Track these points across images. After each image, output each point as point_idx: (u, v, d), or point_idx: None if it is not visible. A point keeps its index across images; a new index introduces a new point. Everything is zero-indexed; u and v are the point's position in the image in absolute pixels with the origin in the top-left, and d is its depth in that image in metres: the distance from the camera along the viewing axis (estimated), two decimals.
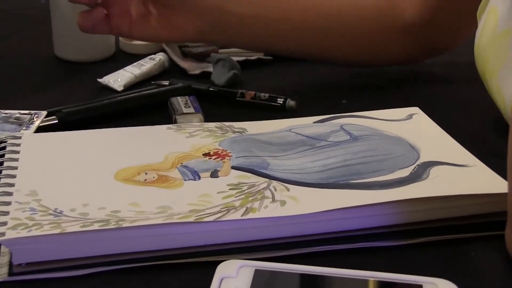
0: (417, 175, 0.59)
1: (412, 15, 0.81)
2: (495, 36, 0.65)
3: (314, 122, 0.71)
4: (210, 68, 0.88)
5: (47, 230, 0.50)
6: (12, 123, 0.73)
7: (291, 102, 0.79)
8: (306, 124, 0.70)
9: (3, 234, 0.50)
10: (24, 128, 0.71)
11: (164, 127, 0.69)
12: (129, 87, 0.85)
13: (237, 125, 0.70)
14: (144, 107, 0.79)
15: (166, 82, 0.84)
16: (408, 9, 0.81)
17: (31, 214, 0.52)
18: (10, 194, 0.55)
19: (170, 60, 0.92)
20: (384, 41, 0.82)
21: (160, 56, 0.90)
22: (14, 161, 0.61)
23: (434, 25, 0.82)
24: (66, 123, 0.74)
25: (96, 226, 0.51)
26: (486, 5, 0.69)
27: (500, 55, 0.64)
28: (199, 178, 0.59)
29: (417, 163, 0.61)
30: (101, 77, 0.86)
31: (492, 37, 0.66)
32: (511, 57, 0.63)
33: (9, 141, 0.65)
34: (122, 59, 0.94)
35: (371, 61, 0.84)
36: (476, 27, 0.75)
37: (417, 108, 0.73)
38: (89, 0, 0.70)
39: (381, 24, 0.81)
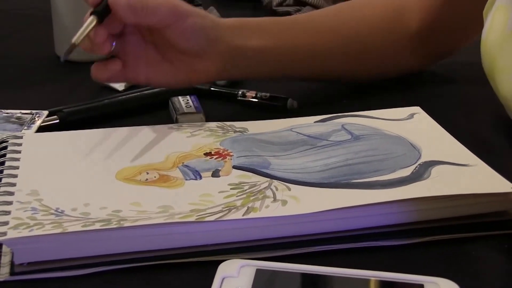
0: (418, 175, 0.59)
1: (418, 23, 0.81)
2: (505, 34, 0.65)
3: (315, 122, 0.71)
4: None
5: (48, 229, 0.50)
6: (13, 122, 0.73)
7: (292, 102, 0.79)
8: (307, 124, 0.70)
9: (4, 233, 0.50)
10: (25, 127, 0.71)
11: (165, 126, 0.69)
12: (130, 86, 0.85)
13: (238, 124, 0.70)
14: (145, 107, 0.79)
15: None
16: (414, 17, 0.81)
17: (32, 214, 0.52)
18: (11, 193, 0.56)
19: None
20: (394, 52, 0.82)
21: None
22: (15, 160, 0.61)
23: (439, 31, 0.82)
24: (67, 123, 0.74)
25: (97, 226, 0.51)
26: (493, 3, 0.69)
27: (510, 53, 0.65)
28: (200, 177, 0.59)
29: (418, 162, 0.61)
30: None
31: (502, 35, 0.66)
32: None
33: (11, 140, 0.65)
34: None
35: (383, 74, 0.84)
36: (480, 29, 0.75)
37: (418, 107, 0.73)
38: (104, 50, 0.68)
39: (391, 36, 0.81)
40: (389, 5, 0.82)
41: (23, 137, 0.66)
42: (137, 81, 0.70)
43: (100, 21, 0.65)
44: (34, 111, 0.75)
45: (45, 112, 0.75)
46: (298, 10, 1.10)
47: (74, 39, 0.64)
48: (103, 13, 0.65)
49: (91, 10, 0.65)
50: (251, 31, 0.70)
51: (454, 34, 0.84)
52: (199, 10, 0.69)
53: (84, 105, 0.77)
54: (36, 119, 0.73)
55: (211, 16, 0.70)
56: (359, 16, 0.80)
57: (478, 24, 0.72)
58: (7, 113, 0.75)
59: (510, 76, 0.64)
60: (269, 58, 0.73)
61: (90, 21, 0.65)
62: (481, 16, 0.70)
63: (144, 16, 0.65)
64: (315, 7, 1.10)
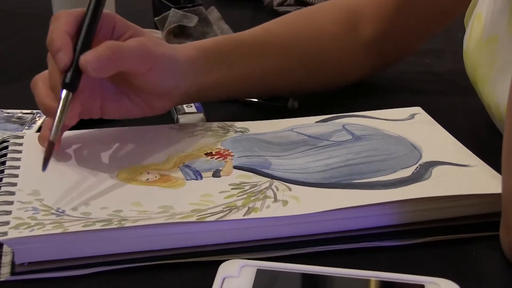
0: (419, 175, 0.59)
1: (372, 31, 0.80)
2: (482, 43, 0.65)
3: (316, 122, 0.71)
4: None
5: (49, 229, 0.50)
6: (14, 122, 0.73)
7: (293, 102, 0.79)
8: (308, 124, 0.70)
9: (5, 233, 0.50)
10: (26, 127, 0.72)
11: (166, 126, 0.69)
12: None
13: (239, 124, 0.70)
14: None
15: None
16: (368, 26, 0.80)
17: (33, 214, 0.52)
18: (12, 193, 0.56)
19: None
20: (347, 62, 0.81)
21: None
22: (16, 160, 0.61)
23: (391, 39, 0.82)
24: None
25: (98, 226, 0.51)
26: (472, 11, 0.69)
27: (488, 62, 0.65)
28: (201, 177, 0.59)
29: (419, 163, 0.61)
30: None
31: (479, 44, 0.66)
32: (499, 63, 0.64)
33: (11, 140, 0.65)
34: None
35: (336, 84, 0.83)
36: (426, 38, 0.80)
37: (419, 108, 0.73)
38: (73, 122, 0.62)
39: (344, 47, 0.80)
40: (342, 14, 0.81)
41: (24, 137, 0.66)
42: (90, 116, 0.64)
43: (73, 92, 0.59)
44: (35, 111, 0.75)
45: None
46: (298, 10, 1.10)
47: (51, 136, 0.57)
48: (75, 82, 0.59)
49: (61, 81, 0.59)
50: (211, 63, 0.69)
51: (404, 41, 0.83)
52: (167, 46, 0.65)
53: None
54: (37, 119, 0.73)
55: (176, 49, 0.67)
56: (312, 29, 0.79)
57: (425, 29, 0.75)
58: (8, 112, 0.75)
59: (490, 84, 0.64)
60: (225, 89, 0.72)
61: (65, 100, 0.58)
62: (428, 25, 0.71)
63: (116, 68, 0.60)
64: None
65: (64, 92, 0.58)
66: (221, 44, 0.71)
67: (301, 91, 0.81)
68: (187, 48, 0.69)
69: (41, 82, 0.62)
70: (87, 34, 0.60)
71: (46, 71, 0.63)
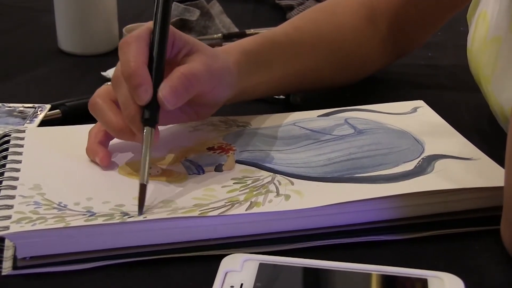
0: (422, 169, 0.59)
1: (387, 23, 0.81)
2: (486, 43, 0.65)
3: (318, 116, 0.70)
4: None
5: (51, 224, 0.50)
6: (15, 116, 0.73)
7: (295, 96, 0.78)
8: (310, 118, 0.70)
9: (7, 228, 0.50)
10: (28, 121, 0.71)
11: None
12: None
13: (241, 119, 0.70)
14: None
15: None
16: (383, 19, 0.81)
17: (35, 208, 0.52)
18: (14, 187, 0.55)
19: None
20: (369, 53, 0.82)
21: None
22: (18, 154, 0.61)
23: (404, 29, 0.82)
24: (70, 117, 0.74)
25: (100, 220, 0.51)
26: (476, 8, 0.69)
27: (491, 62, 0.64)
28: (204, 172, 0.59)
29: (422, 156, 0.61)
30: (104, 70, 0.86)
31: (483, 43, 0.66)
32: (501, 64, 0.63)
33: (13, 134, 0.65)
34: None
35: (361, 75, 0.84)
36: (437, 28, 0.80)
37: (421, 101, 0.73)
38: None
39: (365, 38, 0.81)
40: (360, 8, 0.81)
41: (26, 131, 0.65)
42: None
43: (154, 127, 0.57)
44: (36, 105, 0.75)
45: (48, 106, 0.74)
46: (301, 4, 1.10)
47: (144, 179, 0.54)
48: (156, 117, 0.57)
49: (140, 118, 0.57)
50: (253, 66, 0.69)
51: (416, 33, 0.84)
52: (222, 58, 0.64)
53: (86, 99, 0.76)
54: (39, 113, 0.73)
55: (227, 57, 0.66)
56: (335, 25, 0.79)
57: (436, 23, 0.73)
58: (10, 106, 0.75)
59: (493, 85, 0.64)
60: (261, 90, 0.73)
61: (148, 136, 0.56)
62: (440, 14, 0.71)
63: (190, 97, 0.59)
64: (318, 0, 1.10)
65: (147, 129, 0.56)
66: (260, 46, 0.71)
67: (325, 86, 0.81)
68: (235, 52, 0.67)
69: (103, 102, 0.60)
70: (159, 63, 0.58)
71: (101, 90, 0.62)
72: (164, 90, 0.57)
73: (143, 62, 0.57)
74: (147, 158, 0.55)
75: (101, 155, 0.60)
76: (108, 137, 0.62)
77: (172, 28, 0.60)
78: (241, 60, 0.67)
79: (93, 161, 0.60)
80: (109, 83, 0.62)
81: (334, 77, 0.80)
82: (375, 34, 0.81)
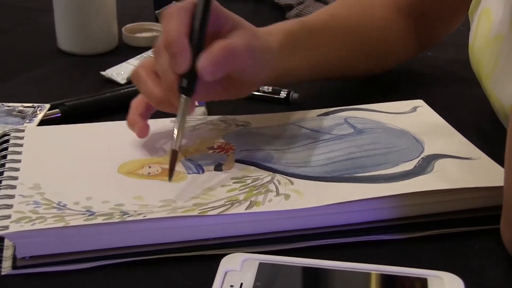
0: (421, 168, 0.58)
1: (412, 14, 0.82)
2: (488, 41, 0.65)
3: (318, 115, 0.70)
4: None
5: (50, 223, 0.50)
6: (15, 116, 0.73)
7: (294, 95, 0.78)
8: (310, 117, 0.70)
9: (6, 227, 0.50)
10: (27, 121, 0.71)
11: (167, 120, 0.69)
12: None
13: (241, 118, 0.70)
14: None
15: None
16: (408, 9, 0.82)
17: (34, 208, 0.52)
18: (13, 187, 0.55)
19: None
20: (397, 42, 0.83)
21: None
22: (17, 154, 0.61)
23: (425, 25, 0.83)
24: (69, 116, 0.74)
25: (100, 220, 0.51)
26: (478, 4, 0.69)
27: (492, 59, 0.64)
28: (203, 171, 0.59)
29: (421, 156, 0.61)
30: (104, 70, 0.85)
31: (486, 41, 0.66)
32: (502, 62, 0.63)
33: (12, 134, 0.64)
34: (125, 52, 0.94)
35: (391, 65, 0.85)
36: (459, 22, 0.79)
37: (421, 100, 0.73)
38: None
39: (393, 27, 0.82)
40: None
41: (25, 130, 0.65)
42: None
43: (191, 96, 0.58)
44: (36, 105, 0.75)
45: (47, 106, 0.74)
46: (300, 3, 1.09)
47: (175, 145, 0.57)
48: (193, 87, 0.58)
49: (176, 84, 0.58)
50: (291, 50, 0.69)
51: (438, 26, 0.85)
52: (264, 37, 0.64)
53: (86, 98, 0.77)
54: (38, 112, 0.73)
55: (271, 37, 0.66)
56: (366, 14, 0.81)
57: (457, 17, 0.73)
58: (9, 106, 0.75)
59: (494, 82, 0.64)
60: (297, 74, 0.73)
61: (184, 105, 0.58)
62: (459, 8, 0.71)
63: (229, 70, 0.60)
64: (317, 0, 1.10)
65: (183, 98, 0.58)
66: (300, 30, 0.72)
67: (351, 75, 0.82)
68: (278, 33, 0.68)
69: (145, 73, 0.62)
70: (201, 34, 0.59)
71: (144, 61, 0.64)
72: (203, 60, 0.57)
73: (184, 32, 0.58)
74: (182, 126, 0.57)
75: (139, 126, 0.63)
76: (148, 109, 0.64)
77: (216, 3, 0.61)
78: (283, 42, 0.68)
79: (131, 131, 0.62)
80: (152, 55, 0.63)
81: (360, 66, 0.81)
82: (402, 26, 0.82)
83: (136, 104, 0.65)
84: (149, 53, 0.89)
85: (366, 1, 0.82)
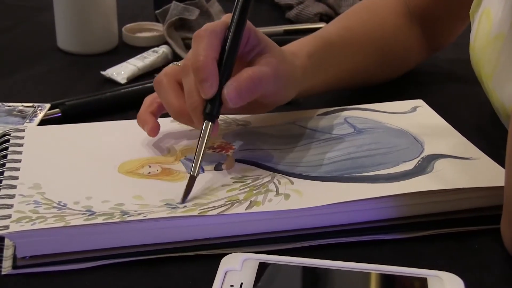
0: (421, 168, 0.59)
1: (420, 21, 0.82)
2: (489, 40, 0.65)
3: (318, 115, 0.70)
4: None
5: (51, 223, 0.50)
6: (15, 115, 0.73)
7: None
8: (310, 117, 0.70)
9: (7, 227, 0.50)
10: (27, 120, 0.71)
11: (167, 120, 0.69)
12: (132, 79, 0.85)
13: (241, 118, 0.70)
14: None
15: None
16: (417, 17, 0.82)
17: (35, 207, 0.52)
18: (13, 187, 0.55)
19: (173, 52, 0.91)
20: (409, 48, 0.83)
21: (163, 49, 0.90)
22: (17, 154, 0.61)
23: (435, 27, 0.83)
24: (70, 116, 0.74)
25: (100, 219, 0.51)
26: (479, 5, 0.69)
27: (493, 59, 0.64)
28: (203, 171, 0.59)
29: (421, 156, 0.61)
30: (104, 70, 0.85)
31: (486, 40, 0.66)
32: (503, 61, 0.63)
33: (13, 133, 0.64)
34: (125, 51, 0.94)
35: (403, 71, 0.85)
36: (465, 25, 0.79)
37: (421, 100, 0.73)
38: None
39: (404, 33, 0.82)
40: (398, 5, 0.82)
41: (25, 130, 0.65)
42: None
43: (213, 122, 0.58)
44: (36, 104, 0.75)
45: (47, 105, 0.74)
46: (300, 3, 1.09)
47: (194, 171, 0.55)
48: (217, 114, 0.57)
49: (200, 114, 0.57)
50: (314, 69, 0.69)
51: (447, 27, 0.85)
52: (289, 60, 0.64)
53: (86, 98, 0.77)
54: (38, 112, 0.73)
55: (295, 60, 0.66)
56: (378, 23, 0.81)
57: (465, 18, 0.73)
58: (9, 106, 0.75)
59: (495, 82, 0.64)
60: (318, 90, 0.74)
61: (206, 131, 0.57)
62: (467, 9, 0.71)
63: (253, 98, 0.59)
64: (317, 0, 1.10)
65: (206, 123, 0.57)
66: (320, 49, 0.72)
67: (371, 83, 0.82)
68: (302, 56, 0.68)
69: (167, 82, 0.61)
70: (230, 60, 0.58)
71: (169, 69, 0.62)
72: (229, 89, 0.57)
73: (212, 57, 0.57)
74: (202, 151, 0.56)
75: (151, 125, 0.63)
76: (160, 109, 0.64)
77: (249, 25, 0.60)
78: (307, 65, 0.68)
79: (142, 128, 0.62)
80: (177, 62, 0.63)
81: (379, 74, 0.82)
82: (412, 30, 0.82)
83: (149, 102, 0.64)
84: (149, 52, 0.89)
85: (375, 10, 0.82)
